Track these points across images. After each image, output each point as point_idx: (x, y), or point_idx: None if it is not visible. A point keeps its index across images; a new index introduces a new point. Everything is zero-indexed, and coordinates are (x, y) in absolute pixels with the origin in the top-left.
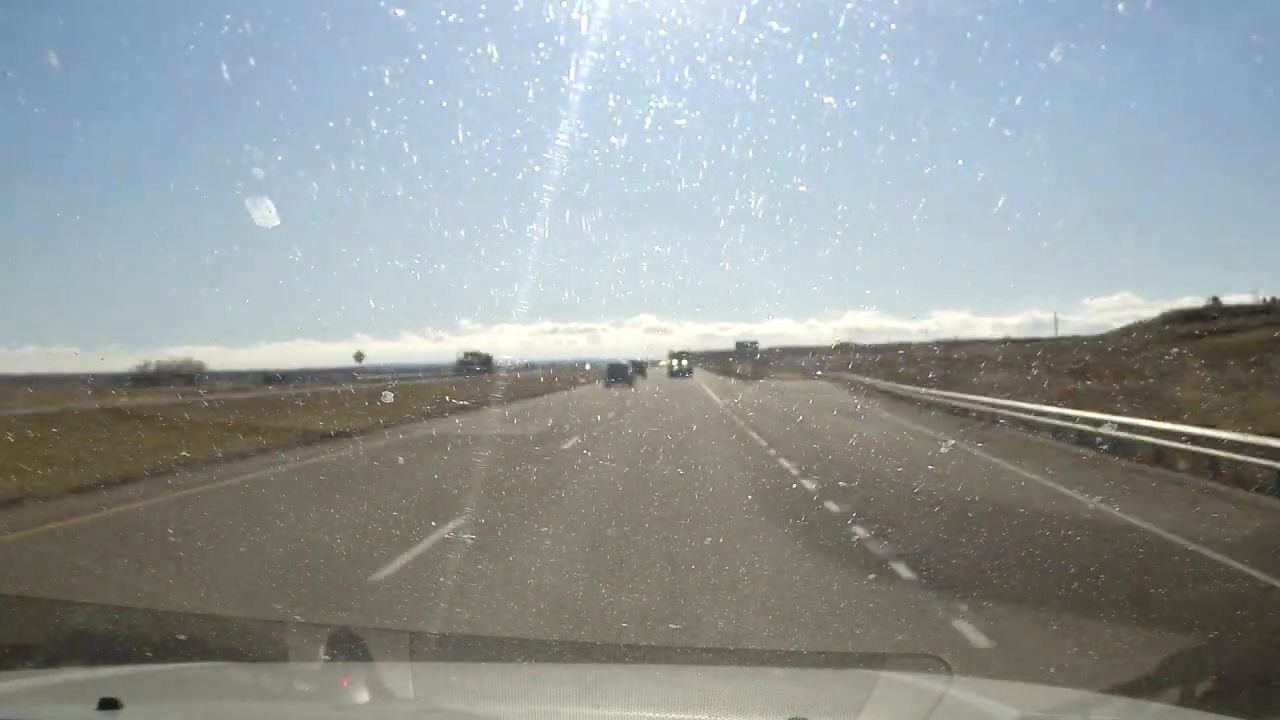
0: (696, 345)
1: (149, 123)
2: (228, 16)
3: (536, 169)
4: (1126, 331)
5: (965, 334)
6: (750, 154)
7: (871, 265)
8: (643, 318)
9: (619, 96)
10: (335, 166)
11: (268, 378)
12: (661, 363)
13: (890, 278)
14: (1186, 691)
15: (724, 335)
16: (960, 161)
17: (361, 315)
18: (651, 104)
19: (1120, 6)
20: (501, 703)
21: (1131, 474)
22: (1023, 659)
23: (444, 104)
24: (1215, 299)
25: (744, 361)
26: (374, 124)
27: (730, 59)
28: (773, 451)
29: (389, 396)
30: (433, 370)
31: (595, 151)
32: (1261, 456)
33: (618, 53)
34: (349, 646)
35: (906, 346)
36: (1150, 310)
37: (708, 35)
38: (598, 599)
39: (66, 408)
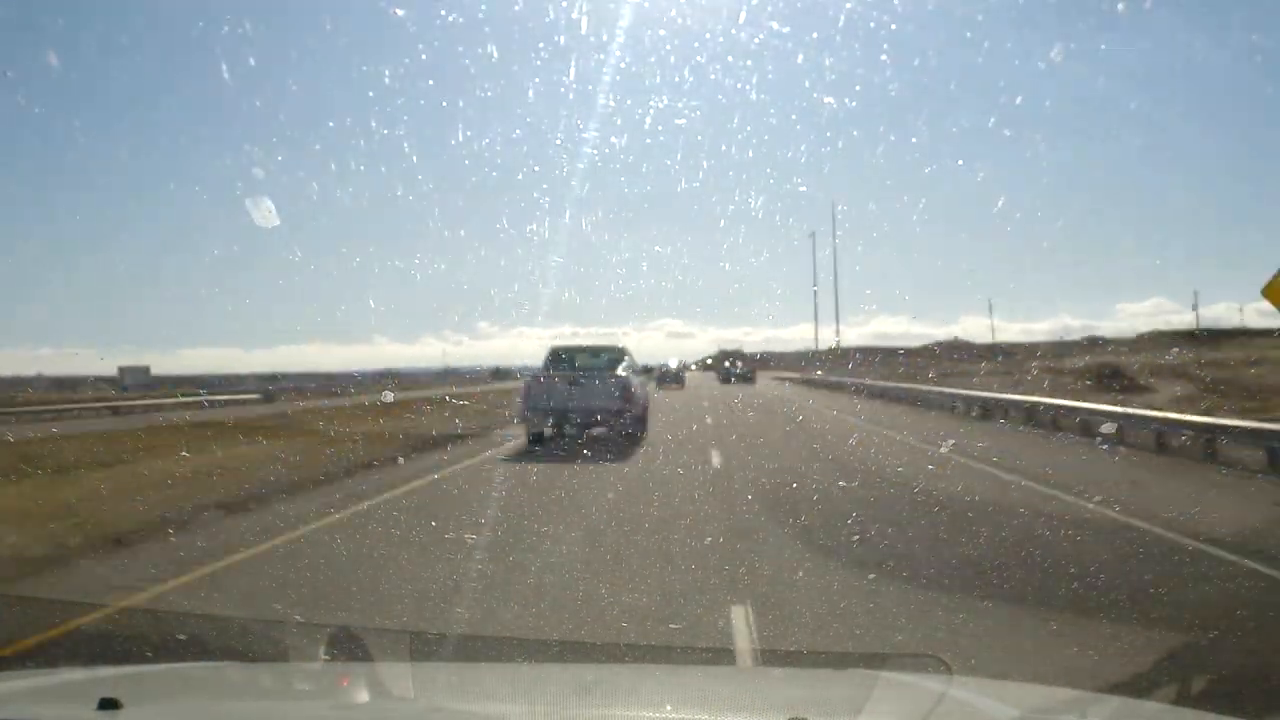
0: (710, 352)
1: (149, 123)
2: (228, 16)
3: (560, 172)
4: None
5: (987, 340)
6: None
7: (897, 272)
8: (664, 322)
9: (639, 95)
10: (335, 167)
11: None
12: (692, 366)
13: (915, 284)
14: (1183, 690)
15: (747, 340)
16: (961, 161)
17: (380, 318)
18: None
19: (1120, 6)
20: (501, 703)
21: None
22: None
23: (461, 103)
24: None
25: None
26: (374, 124)
27: (731, 59)
28: None
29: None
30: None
31: (616, 155)
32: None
33: (618, 52)
34: (349, 646)
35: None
36: (1181, 316)
37: (708, 35)
38: None
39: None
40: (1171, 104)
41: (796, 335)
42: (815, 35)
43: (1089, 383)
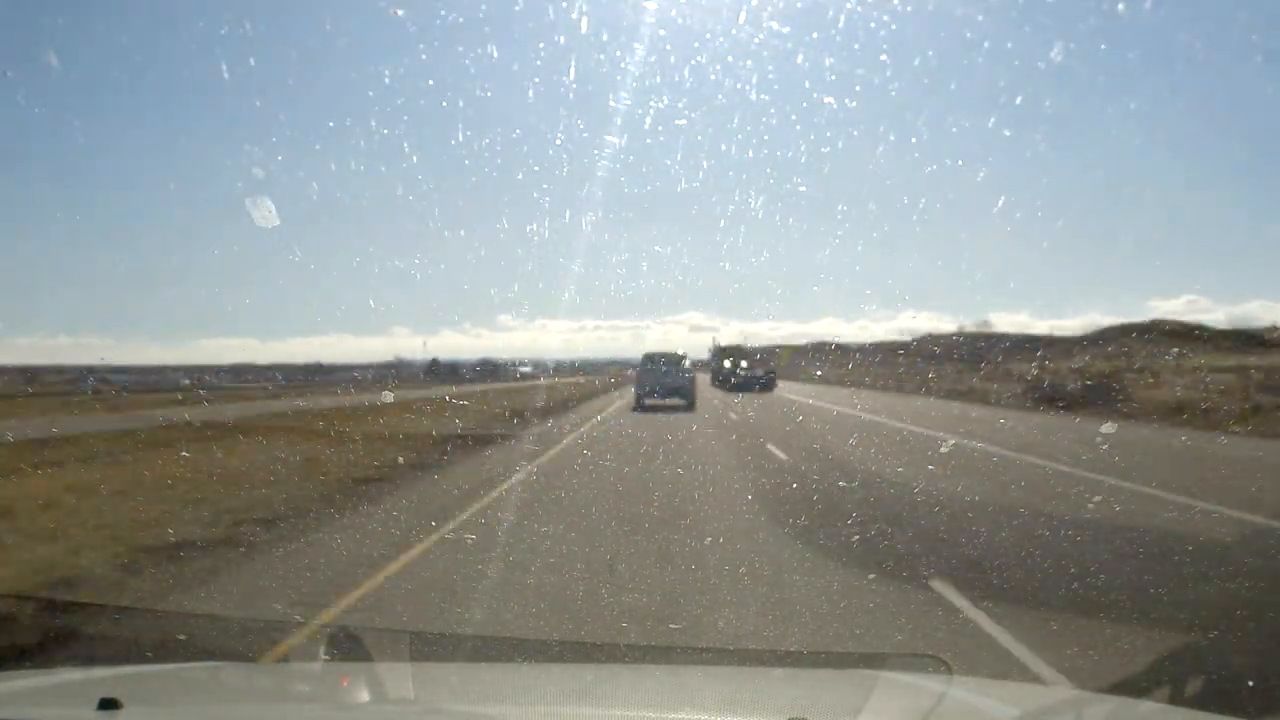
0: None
1: (148, 123)
2: (227, 16)
3: (582, 167)
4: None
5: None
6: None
7: (923, 266)
8: (688, 315)
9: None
10: (335, 167)
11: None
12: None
13: (943, 279)
14: (1178, 690)
15: (772, 335)
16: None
17: (399, 311)
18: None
19: (1120, 6)
20: (501, 703)
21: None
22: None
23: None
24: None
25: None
26: (374, 124)
27: (730, 59)
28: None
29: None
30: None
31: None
32: None
33: (618, 53)
34: (349, 646)
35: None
36: (1212, 313)
37: (707, 35)
38: None
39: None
40: (1172, 103)
41: (821, 330)
42: (815, 35)
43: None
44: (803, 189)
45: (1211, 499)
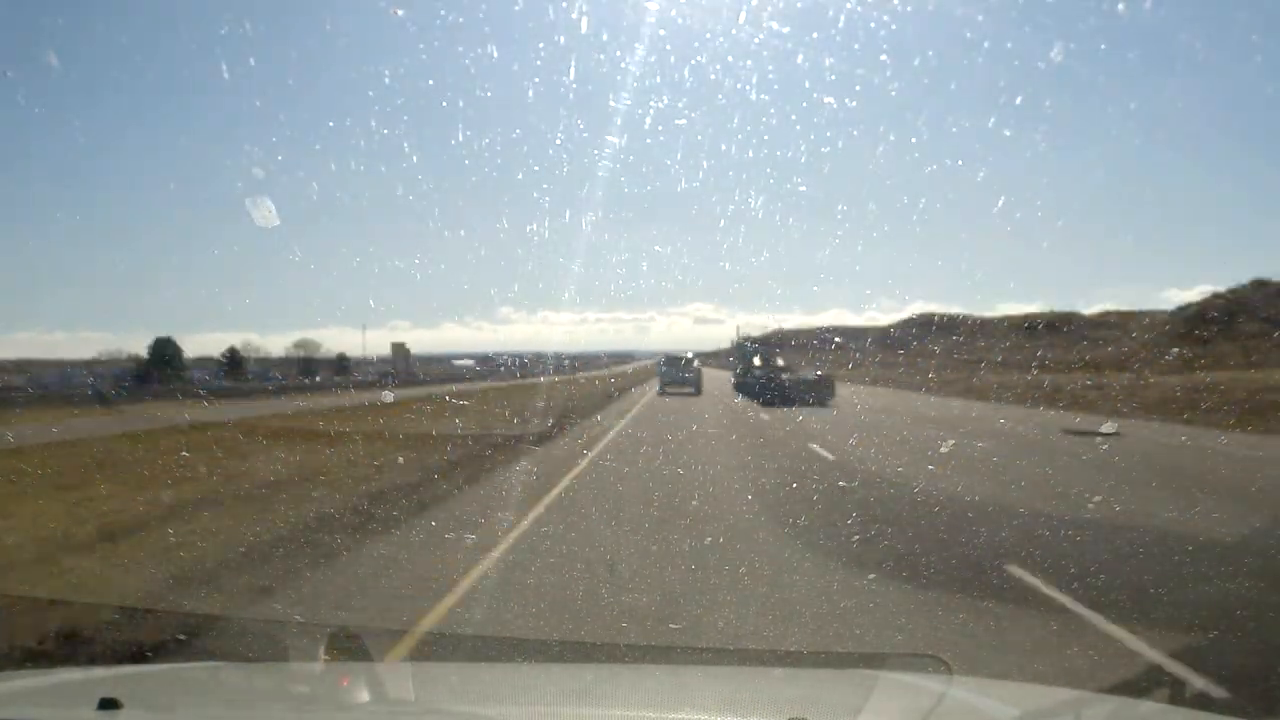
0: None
1: (148, 122)
2: (227, 16)
3: (586, 161)
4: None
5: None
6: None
7: (924, 266)
8: (694, 306)
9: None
10: (335, 167)
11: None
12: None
13: (944, 278)
14: (1178, 690)
15: (777, 326)
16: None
17: (401, 303)
18: (652, 103)
19: (1120, 6)
20: (502, 703)
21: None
22: None
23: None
24: None
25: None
26: (373, 124)
27: (730, 59)
28: None
29: None
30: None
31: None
32: None
33: (618, 53)
34: (349, 646)
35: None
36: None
37: (707, 35)
38: None
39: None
40: (1172, 103)
41: (829, 321)
42: (815, 35)
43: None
44: (803, 189)
45: None
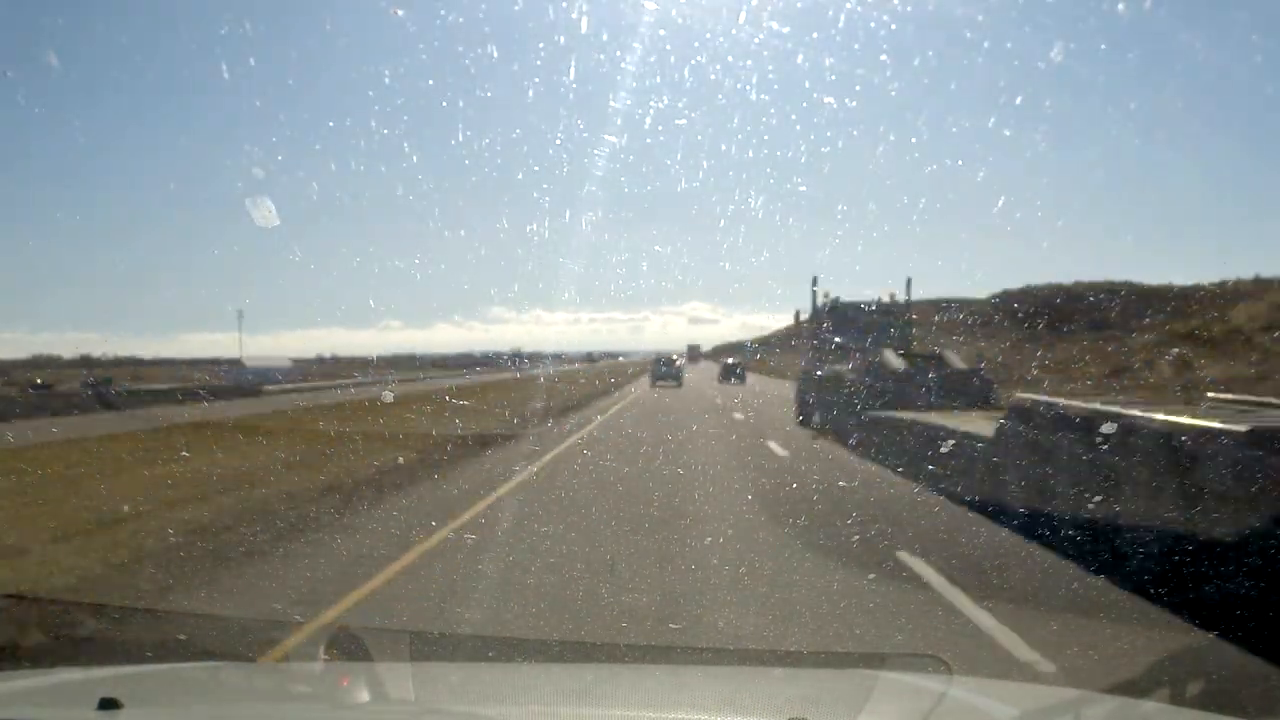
0: (736, 337)
1: (148, 122)
2: (227, 16)
3: (585, 161)
4: None
5: None
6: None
7: (929, 255)
8: (690, 306)
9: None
10: (335, 167)
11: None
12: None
13: (952, 268)
14: (1178, 690)
15: (772, 326)
16: (960, 161)
17: (393, 303)
18: (652, 103)
19: (1120, 6)
20: (501, 703)
21: None
22: None
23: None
24: None
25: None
26: (374, 124)
27: (730, 59)
28: None
29: None
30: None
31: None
32: None
33: (617, 53)
34: (349, 646)
35: None
36: None
37: (707, 35)
38: None
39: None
40: (1172, 103)
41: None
42: (815, 35)
43: None
44: (803, 189)
45: None
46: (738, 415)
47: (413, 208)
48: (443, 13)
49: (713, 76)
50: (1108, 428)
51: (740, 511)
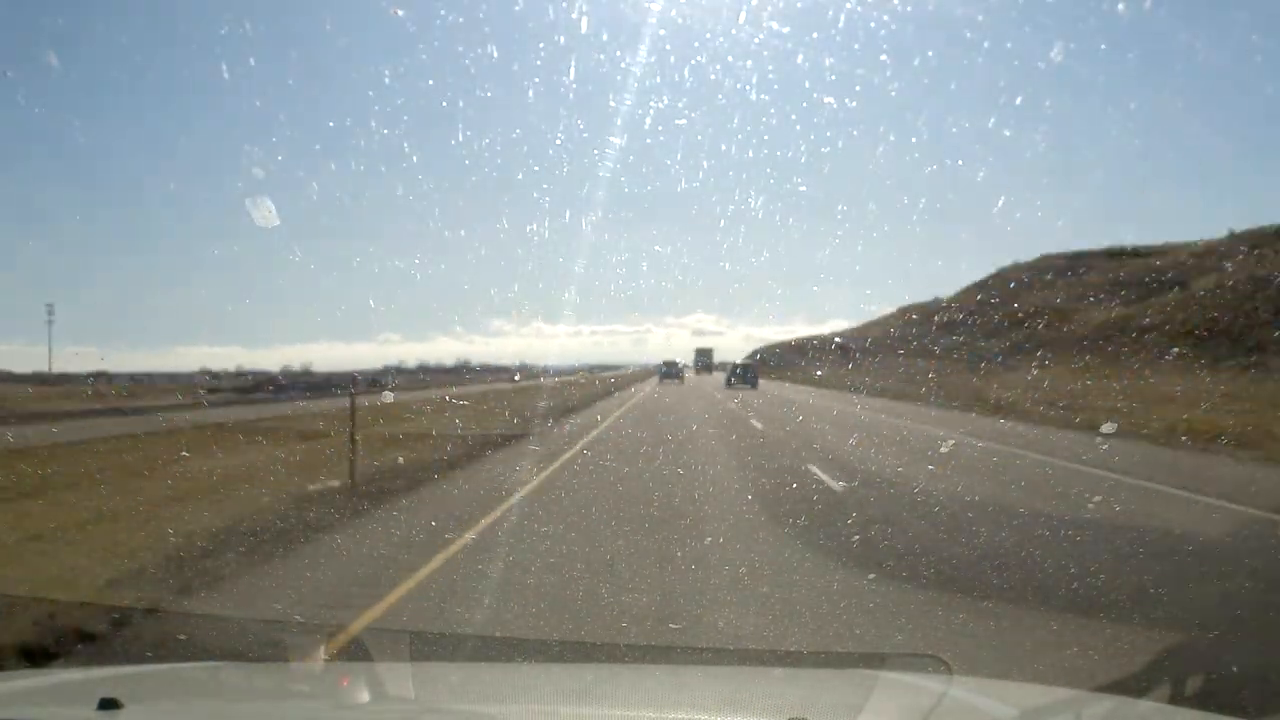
0: (740, 348)
1: (149, 122)
2: (227, 16)
3: (586, 161)
4: None
5: None
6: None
7: (927, 265)
8: (696, 317)
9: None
10: (336, 167)
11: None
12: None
13: (952, 268)
14: (1178, 689)
15: (774, 338)
16: (960, 161)
17: (389, 316)
18: (653, 104)
19: (1120, 6)
20: (501, 703)
21: None
22: None
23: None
24: None
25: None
26: (374, 124)
27: (730, 59)
28: None
29: None
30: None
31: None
32: None
33: (618, 53)
34: (349, 646)
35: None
36: None
37: (707, 35)
38: None
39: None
40: (1172, 103)
41: (829, 330)
42: (815, 35)
43: None
44: (803, 189)
45: None
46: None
47: (413, 210)
48: (443, 13)
49: (713, 76)
50: (1108, 427)
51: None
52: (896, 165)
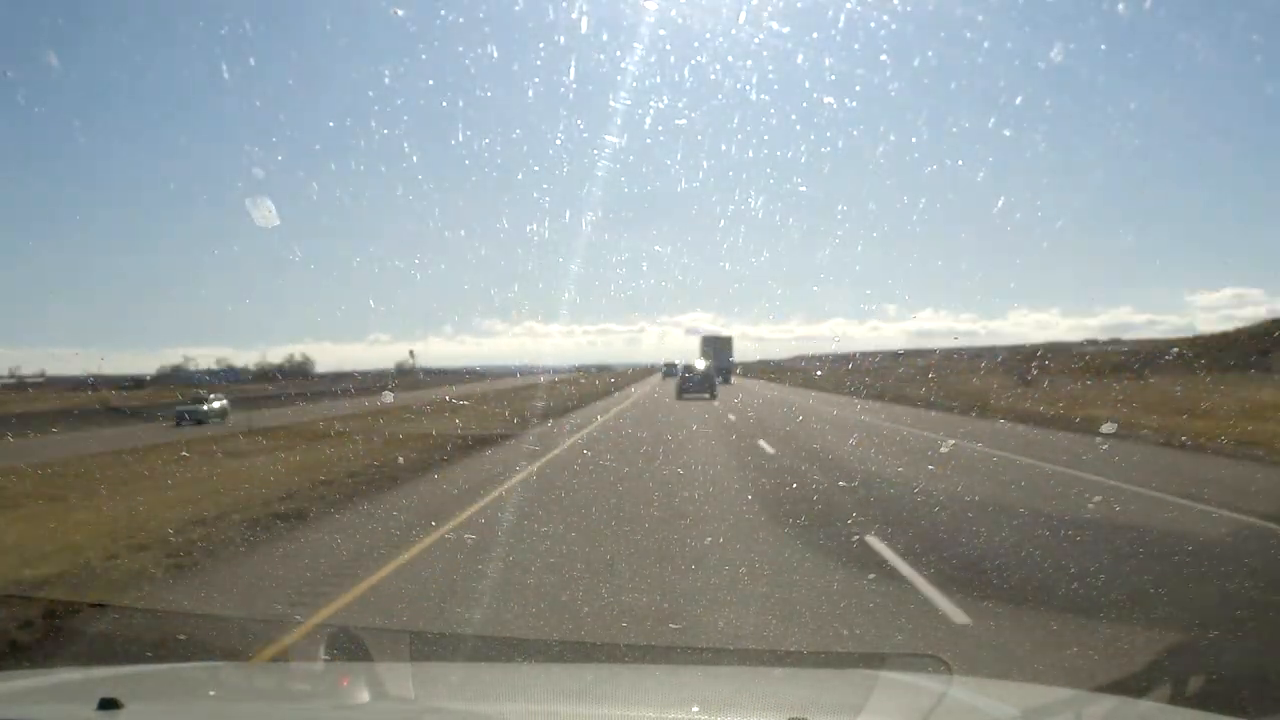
0: (738, 347)
1: (149, 123)
2: (227, 16)
3: (585, 161)
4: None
5: (1036, 337)
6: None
7: (928, 266)
8: (693, 315)
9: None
10: (335, 167)
11: None
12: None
13: (951, 278)
14: (1178, 689)
15: (772, 337)
16: (960, 161)
17: (383, 316)
18: (652, 103)
19: (1120, 6)
20: (501, 703)
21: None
22: None
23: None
24: None
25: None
26: (374, 124)
27: (730, 59)
28: None
29: None
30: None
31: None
32: None
33: (618, 53)
34: (349, 646)
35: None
36: (1257, 308)
37: (707, 35)
38: None
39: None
40: (1172, 103)
41: (827, 332)
42: (815, 35)
43: None
44: (803, 189)
45: None
46: None
47: (411, 210)
48: (443, 13)
49: (712, 76)
50: (1108, 427)
51: None
52: (897, 165)
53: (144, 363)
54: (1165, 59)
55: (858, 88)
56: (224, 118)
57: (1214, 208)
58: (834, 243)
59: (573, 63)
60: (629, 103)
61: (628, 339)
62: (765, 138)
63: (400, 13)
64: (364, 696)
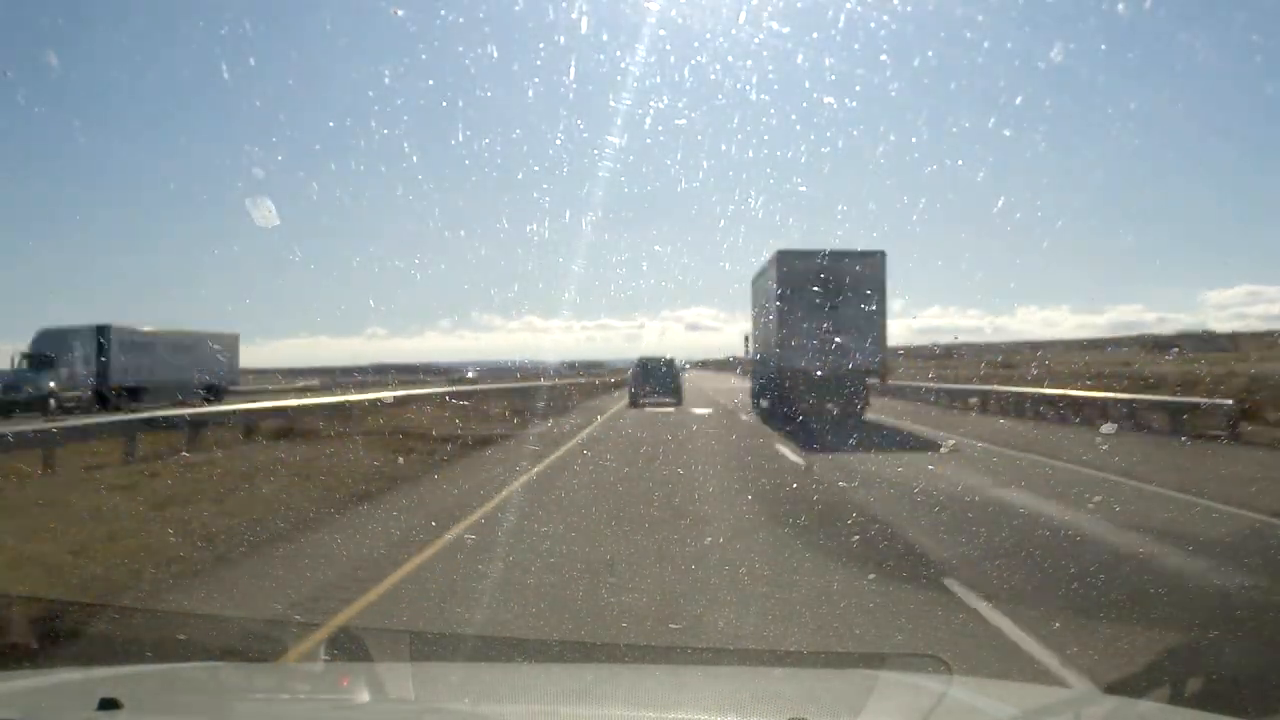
0: (737, 344)
1: (148, 123)
2: (227, 16)
3: (586, 161)
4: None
5: (1037, 334)
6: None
7: (929, 266)
8: (693, 310)
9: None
10: (335, 166)
11: None
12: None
13: (954, 278)
14: (1178, 690)
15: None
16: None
17: (376, 311)
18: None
19: (1120, 6)
20: (501, 703)
21: None
22: None
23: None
24: None
25: None
26: (374, 124)
27: (730, 59)
28: None
29: None
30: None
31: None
32: None
33: (618, 53)
34: (349, 646)
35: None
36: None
37: (707, 35)
38: None
39: None
40: (1172, 103)
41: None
42: (815, 35)
43: None
44: (803, 189)
45: None
46: None
47: (411, 208)
48: (443, 13)
49: (713, 76)
50: (1108, 428)
51: None
52: (896, 165)
53: None
54: (1165, 59)
55: (858, 88)
56: (224, 118)
57: (1225, 206)
58: (834, 242)
59: (573, 63)
60: (629, 103)
61: (627, 335)
62: (765, 138)
63: (400, 13)
64: (364, 696)
